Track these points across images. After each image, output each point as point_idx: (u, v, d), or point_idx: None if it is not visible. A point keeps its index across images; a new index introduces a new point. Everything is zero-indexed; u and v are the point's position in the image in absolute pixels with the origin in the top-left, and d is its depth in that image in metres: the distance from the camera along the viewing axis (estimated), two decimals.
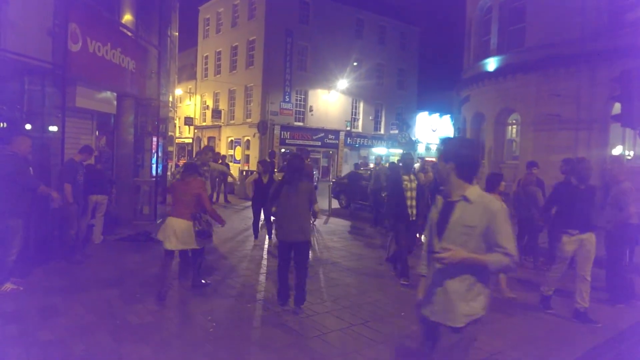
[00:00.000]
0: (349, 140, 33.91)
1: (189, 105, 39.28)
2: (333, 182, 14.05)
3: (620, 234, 5.87)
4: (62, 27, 7.19)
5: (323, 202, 12.35)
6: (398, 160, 6.33)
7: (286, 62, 30.39)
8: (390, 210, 6.94)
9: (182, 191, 5.53)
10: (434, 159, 31.72)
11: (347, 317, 5.06)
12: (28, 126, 7.30)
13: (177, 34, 13.83)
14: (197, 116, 38.22)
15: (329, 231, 10.80)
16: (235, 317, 4.96)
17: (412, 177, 6.75)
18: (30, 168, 5.75)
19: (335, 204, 15.13)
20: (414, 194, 6.69)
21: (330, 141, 32.87)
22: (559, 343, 4.61)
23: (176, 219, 5.42)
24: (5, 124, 7.18)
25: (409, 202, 6.63)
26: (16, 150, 5.33)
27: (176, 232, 5.36)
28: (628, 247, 6.30)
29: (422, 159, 27.52)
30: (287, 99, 30.59)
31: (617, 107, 9.88)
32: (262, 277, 6.58)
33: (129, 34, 9.94)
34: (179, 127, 39.59)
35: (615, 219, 5.83)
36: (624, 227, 5.81)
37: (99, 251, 7.56)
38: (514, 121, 18.98)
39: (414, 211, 6.71)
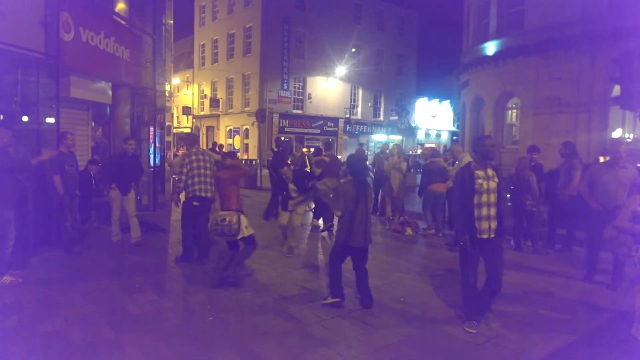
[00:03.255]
0: (348, 127, 33.82)
1: (186, 94, 39.09)
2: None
3: None
4: (54, 16, 7.10)
5: None
6: (473, 148, 4.62)
7: (284, 49, 30.16)
8: (457, 221, 4.89)
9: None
10: (433, 145, 31.65)
11: (346, 304, 5.06)
12: (25, 118, 7.24)
13: (172, 22, 13.66)
14: (195, 105, 38.06)
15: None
16: (235, 305, 4.95)
17: (491, 172, 4.47)
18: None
19: None
20: (493, 197, 4.41)
21: (330, 129, 32.77)
22: (558, 324, 4.61)
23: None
24: (2, 117, 7.12)
25: (483, 211, 4.38)
26: None
27: None
28: None
29: (422, 145, 27.45)
30: (286, 87, 30.43)
31: (617, 89, 9.80)
32: (262, 265, 6.57)
33: (123, 22, 9.83)
34: (177, 116, 39.44)
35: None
36: None
37: (97, 242, 7.55)
38: (513, 105, 18.88)
39: (493, 224, 4.41)
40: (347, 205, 4.91)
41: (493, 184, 4.43)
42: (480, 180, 4.39)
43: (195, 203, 6.42)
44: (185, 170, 6.41)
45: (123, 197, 7.38)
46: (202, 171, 6.45)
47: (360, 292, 5.09)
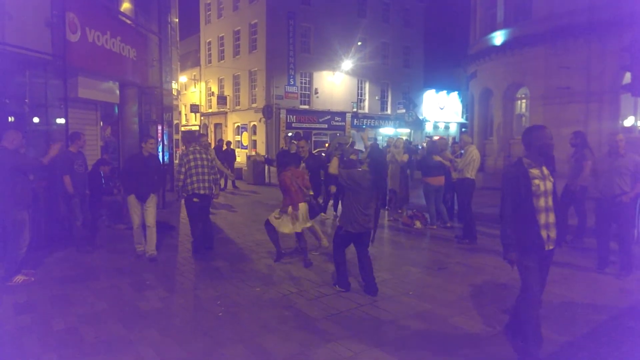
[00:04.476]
0: (355, 121, 33.70)
1: (194, 92, 39.23)
2: None
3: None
4: (60, 17, 7.17)
5: None
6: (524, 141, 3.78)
7: (289, 44, 30.10)
8: (512, 231, 3.62)
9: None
10: (444, 137, 31.43)
11: (355, 298, 5.07)
12: (36, 119, 7.33)
13: (177, 20, 13.73)
14: (203, 103, 38.18)
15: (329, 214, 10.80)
16: (244, 300, 4.98)
17: (546, 170, 3.66)
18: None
19: None
20: (551, 201, 3.65)
21: (337, 123, 32.70)
22: (564, 319, 4.58)
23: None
24: (13, 118, 7.21)
25: (542, 219, 3.58)
26: (6, 144, 5.31)
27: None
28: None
29: (431, 138, 27.34)
30: (292, 82, 30.38)
31: (627, 77, 9.65)
32: (270, 260, 6.60)
33: (129, 22, 9.89)
34: (185, 114, 39.62)
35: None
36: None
37: (108, 240, 7.62)
38: (522, 95, 18.71)
39: (552, 233, 3.62)
40: (351, 190, 5.09)
41: (550, 185, 3.65)
42: (537, 181, 3.57)
43: (195, 200, 6.64)
44: (183, 169, 6.59)
45: (142, 204, 6.51)
46: (200, 169, 6.60)
47: (365, 280, 5.26)
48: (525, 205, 3.56)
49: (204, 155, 6.72)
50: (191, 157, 6.63)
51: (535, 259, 3.57)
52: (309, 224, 6.46)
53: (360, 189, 5.08)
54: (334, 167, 5.30)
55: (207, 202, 6.91)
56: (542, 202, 3.59)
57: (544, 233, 3.58)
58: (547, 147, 3.61)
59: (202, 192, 6.63)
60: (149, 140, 6.69)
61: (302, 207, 6.27)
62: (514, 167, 3.70)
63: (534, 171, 3.60)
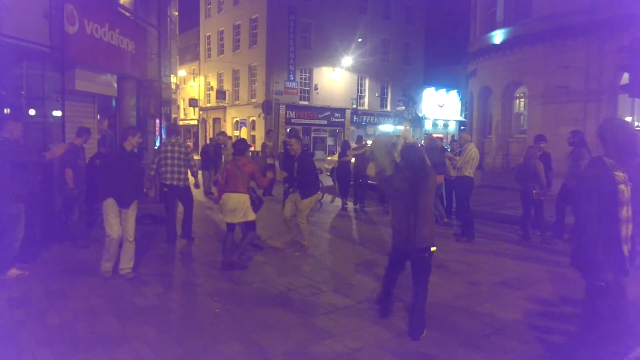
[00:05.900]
0: (355, 118, 33.66)
1: (193, 86, 39.07)
2: None
3: None
4: (58, 9, 7.08)
5: None
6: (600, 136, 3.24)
7: (290, 40, 29.98)
8: (603, 247, 3.08)
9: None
10: (440, 135, 31.45)
11: (352, 296, 5.06)
12: (32, 111, 7.26)
13: (176, 13, 13.65)
14: (202, 97, 38.03)
15: (329, 211, 10.79)
16: (241, 297, 4.97)
17: (626, 174, 3.08)
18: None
19: None
20: (631, 210, 3.05)
21: (336, 119, 32.64)
22: (560, 319, 4.57)
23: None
24: (9, 110, 7.15)
25: (622, 231, 3.02)
26: (7, 135, 5.26)
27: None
28: None
29: (429, 135, 27.34)
30: (292, 78, 30.28)
31: (625, 77, 9.67)
32: (269, 258, 6.58)
33: (128, 14, 9.80)
34: (184, 108, 39.51)
35: None
36: None
37: (105, 234, 7.56)
38: (521, 94, 18.71)
39: (629, 248, 3.14)
40: (391, 197, 4.31)
41: (630, 191, 3.04)
42: (622, 186, 2.97)
43: (165, 189, 7.05)
44: (156, 159, 7.02)
45: (121, 211, 5.43)
46: (170, 161, 6.94)
47: (409, 314, 4.31)
48: (607, 216, 2.99)
49: (176, 148, 7.03)
50: (163, 148, 7.03)
51: (614, 280, 3.04)
52: (249, 218, 5.87)
53: (399, 196, 4.14)
54: (371, 169, 4.62)
55: (178, 193, 7.12)
56: (624, 212, 3.00)
57: (624, 248, 3.04)
58: (634, 145, 3.08)
59: (168, 182, 6.96)
60: (137, 134, 5.65)
61: (235, 197, 5.71)
62: (597, 167, 3.08)
63: (619, 174, 3.00)
